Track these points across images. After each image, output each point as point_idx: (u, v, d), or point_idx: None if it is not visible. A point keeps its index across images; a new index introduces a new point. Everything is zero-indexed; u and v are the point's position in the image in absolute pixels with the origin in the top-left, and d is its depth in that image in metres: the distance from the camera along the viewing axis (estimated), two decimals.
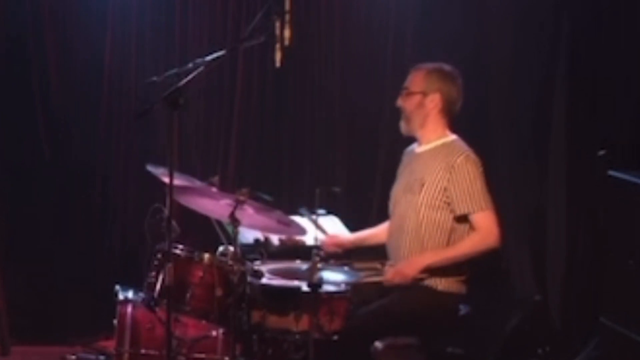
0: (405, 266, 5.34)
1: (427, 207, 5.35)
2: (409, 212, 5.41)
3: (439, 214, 5.35)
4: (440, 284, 5.36)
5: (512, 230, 6.70)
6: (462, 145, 5.44)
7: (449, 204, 5.32)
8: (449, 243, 5.36)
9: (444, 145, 5.44)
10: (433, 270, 5.33)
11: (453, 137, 5.48)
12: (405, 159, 5.65)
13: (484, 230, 5.31)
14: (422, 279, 5.33)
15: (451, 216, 5.33)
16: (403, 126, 5.53)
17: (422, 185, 5.37)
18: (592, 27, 6.54)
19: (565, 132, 6.66)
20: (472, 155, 5.39)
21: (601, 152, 6.09)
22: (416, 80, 5.50)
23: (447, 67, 5.52)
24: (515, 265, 6.69)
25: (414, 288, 5.34)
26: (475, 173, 5.34)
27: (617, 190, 5.78)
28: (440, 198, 5.33)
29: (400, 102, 5.52)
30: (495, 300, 6.50)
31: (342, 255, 5.66)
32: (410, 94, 5.48)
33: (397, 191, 5.57)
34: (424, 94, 5.45)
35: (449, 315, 5.38)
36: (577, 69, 6.61)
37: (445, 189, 5.32)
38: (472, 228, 5.33)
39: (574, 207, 6.60)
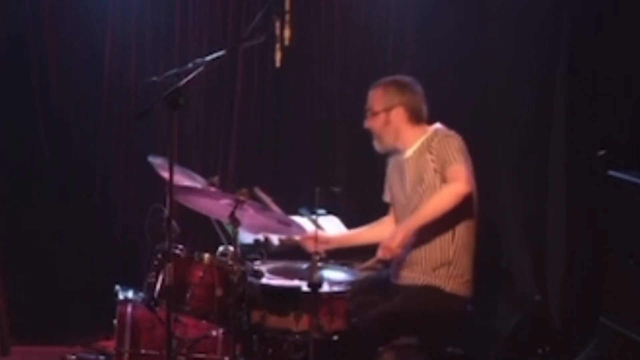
0: (388, 240, 5.35)
1: (432, 192, 5.38)
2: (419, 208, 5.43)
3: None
4: (448, 285, 5.38)
5: (512, 230, 6.70)
6: (439, 131, 5.49)
7: (439, 171, 5.37)
8: (454, 234, 5.39)
9: (423, 141, 5.50)
10: (441, 272, 5.33)
11: (432, 128, 5.53)
12: (393, 167, 5.67)
13: (452, 180, 5.32)
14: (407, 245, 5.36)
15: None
16: (377, 145, 5.61)
17: (422, 181, 5.41)
18: (592, 27, 6.54)
19: (565, 132, 6.65)
20: (447, 132, 5.45)
21: (601, 152, 6.09)
22: (376, 99, 5.55)
23: (402, 79, 5.60)
24: (515, 265, 6.68)
25: (421, 289, 5.37)
26: (449, 140, 5.40)
27: (617, 190, 5.78)
28: (437, 181, 5.37)
29: (367, 124, 5.58)
30: (495, 300, 6.50)
31: (337, 256, 5.65)
32: (374, 114, 5.54)
33: (400, 200, 5.59)
34: (387, 110, 5.51)
35: (455, 317, 5.40)
36: (577, 69, 6.61)
37: (435, 170, 5.39)
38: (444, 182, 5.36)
39: (574, 207, 6.59)
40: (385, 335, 5.28)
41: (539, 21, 6.71)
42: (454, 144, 5.39)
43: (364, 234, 5.77)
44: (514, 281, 6.68)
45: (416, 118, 5.52)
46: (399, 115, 5.50)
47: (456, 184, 5.29)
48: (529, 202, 6.76)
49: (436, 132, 5.50)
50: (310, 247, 5.37)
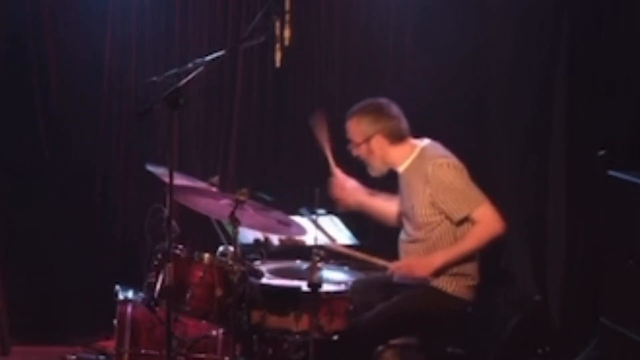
0: (419, 268, 5.33)
1: (423, 227, 5.38)
2: (410, 234, 5.45)
3: (438, 228, 5.37)
4: (451, 287, 5.37)
5: (512, 230, 6.68)
6: (429, 152, 5.45)
7: (444, 214, 5.33)
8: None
9: (414, 160, 5.46)
10: (447, 274, 5.36)
11: (421, 145, 5.49)
12: (400, 183, 5.65)
13: (485, 222, 5.30)
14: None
15: (450, 223, 5.35)
16: (371, 172, 5.58)
17: (412, 208, 5.40)
18: (592, 27, 6.54)
19: (565, 132, 6.65)
20: (440, 160, 5.37)
21: (601, 152, 6.09)
22: (353, 131, 5.52)
23: (374, 104, 5.52)
24: (515, 265, 6.68)
25: (423, 289, 5.37)
26: (450, 175, 5.33)
27: (617, 190, 5.78)
28: (432, 213, 5.34)
29: (354, 153, 5.55)
30: (495, 301, 6.50)
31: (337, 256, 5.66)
32: (357, 145, 5.51)
33: (403, 215, 5.60)
34: (367, 140, 5.48)
35: (455, 318, 5.39)
36: (577, 69, 6.61)
37: (432, 204, 5.34)
38: (473, 224, 5.33)
39: (574, 207, 6.60)
40: (385, 334, 5.28)
41: (539, 21, 6.71)
42: (458, 177, 5.33)
43: (383, 204, 5.73)
44: (514, 281, 6.68)
45: (397, 138, 5.46)
46: (379, 142, 5.46)
47: (493, 227, 5.29)
48: (529, 202, 6.76)
49: (425, 155, 5.41)
50: (338, 194, 5.52)
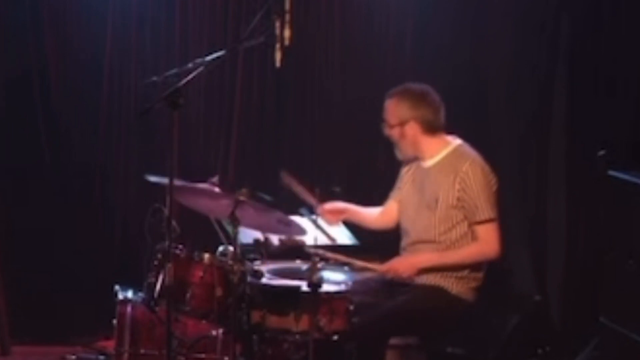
0: (403, 266, 5.38)
1: (443, 222, 5.39)
2: (428, 229, 5.44)
3: (457, 229, 5.38)
4: (455, 288, 5.38)
5: (513, 230, 6.69)
6: (467, 151, 5.46)
7: (465, 213, 5.35)
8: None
9: (447, 155, 5.45)
10: (452, 275, 5.38)
11: (455, 143, 5.50)
12: (409, 172, 5.63)
13: (485, 242, 5.34)
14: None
15: (467, 227, 5.38)
16: (398, 154, 5.59)
17: (437, 200, 5.40)
18: (592, 27, 6.54)
19: (565, 132, 6.65)
20: (478, 160, 5.41)
21: (601, 152, 6.09)
22: (390, 111, 5.50)
23: (414, 88, 5.51)
24: (516, 265, 6.68)
25: (426, 288, 5.38)
26: (482, 180, 5.36)
27: (617, 190, 5.78)
28: (456, 208, 5.35)
29: (385, 132, 5.55)
30: (495, 300, 6.50)
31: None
32: (390, 126, 5.51)
33: (409, 206, 5.58)
34: (401, 124, 5.47)
35: (456, 318, 5.39)
36: (577, 69, 6.61)
37: (459, 199, 5.35)
38: (473, 236, 5.34)
39: (574, 207, 6.60)
40: (386, 334, 5.27)
41: (539, 21, 6.71)
42: (487, 186, 5.36)
43: (368, 216, 5.79)
44: (514, 281, 6.68)
45: (432, 130, 5.45)
46: (413, 129, 5.45)
47: (490, 251, 5.34)
48: (529, 202, 6.76)
49: (462, 152, 5.43)
50: (329, 219, 5.56)
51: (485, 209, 5.33)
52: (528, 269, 6.69)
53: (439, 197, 5.38)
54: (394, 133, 5.50)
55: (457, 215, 5.37)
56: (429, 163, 5.49)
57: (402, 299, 5.35)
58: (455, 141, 5.50)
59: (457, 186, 5.35)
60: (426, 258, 5.39)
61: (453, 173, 5.36)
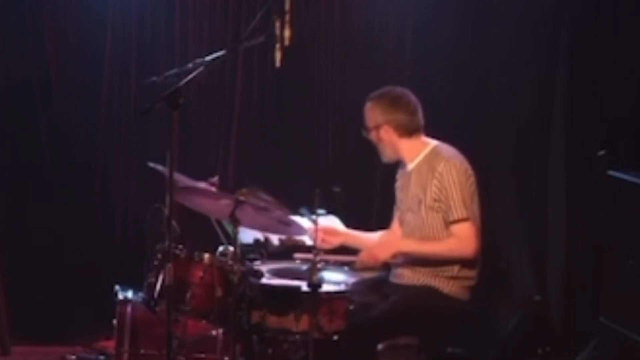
0: (379, 249, 5.43)
1: (426, 224, 5.41)
2: (414, 231, 5.47)
3: (440, 231, 5.39)
4: (447, 287, 5.39)
5: (512, 230, 6.70)
6: (442, 151, 5.47)
7: (441, 212, 5.37)
8: None
9: (425, 157, 5.49)
10: (444, 275, 5.37)
11: (432, 144, 5.52)
12: (400, 179, 5.68)
13: (463, 240, 5.35)
14: (392, 264, 5.44)
15: (444, 224, 5.39)
16: (381, 157, 5.63)
17: (419, 202, 5.43)
18: (592, 27, 6.54)
19: (565, 132, 6.65)
20: (453, 160, 5.41)
21: (601, 152, 6.09)
22: (367, 116, 5.57)
23: (389, 92, 5.54)
24: (515, 265, 6.68)
25: (420, 289, 5.39)
26: (457, 180, 5.36)
27: (617, 190, 5.78)
28: (434, 209, 5.37)
29: (365, 136, 5.59)
30: (495, 300, 6.50)
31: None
32: (368, 130, 5.56)
33: (402, 211, 5.61)
34: (376, 128, 5.52)
35: (453, 317, 5.39)
36: (577, 69, 6.61)
37: (435, 200, 5.38)
38: (449, 234, 5.35)
39: (574, 207, 6.60)
40: (385, 334, 5.28)
41: (539, 21, 6.71)
42: (463, 184, 5.35)
43: (369, 242, 5.75)
44: (514, 281, 6.68)
45: (407, 133, 5.49)
46: (387, 132, 5.50)
47: (467, 249, 5.33)
48: (529, 202, 6.76)
49: (437, 153, 5.44)
50: (323, 244, 5.49)
51: (459, 208, 5.33)
52: (528, 269, 6.68)
53: (421, 199, 5.42)
54: (372, 137, 5.56)
55: (437, 216, 5.38)
56: (410, 166, 5.54)
57: (393, 300, 5.37)
58: (434, 142, 5.53)
59: (433, 188, 5.38)
60: (404, 243, 5.45)
61: (430, 174, 5.40)
